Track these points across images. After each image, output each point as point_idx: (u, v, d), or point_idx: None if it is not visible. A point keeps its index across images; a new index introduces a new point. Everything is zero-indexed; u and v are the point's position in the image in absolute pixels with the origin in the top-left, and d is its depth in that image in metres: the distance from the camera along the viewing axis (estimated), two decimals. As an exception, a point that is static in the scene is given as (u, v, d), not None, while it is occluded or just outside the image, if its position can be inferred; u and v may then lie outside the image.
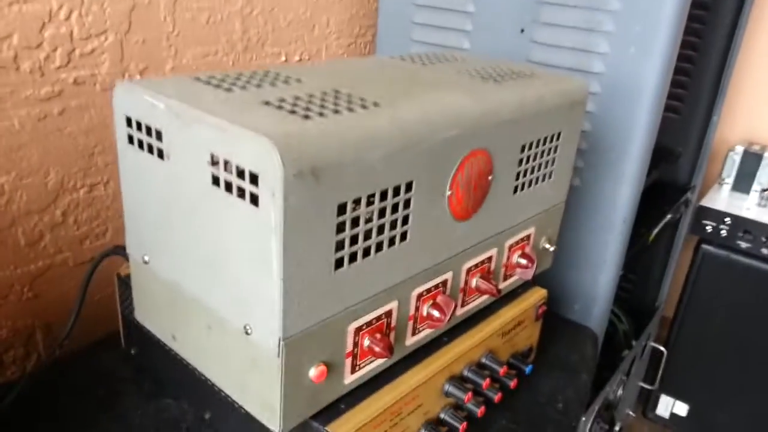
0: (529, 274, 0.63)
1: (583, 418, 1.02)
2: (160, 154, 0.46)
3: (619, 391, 1.21)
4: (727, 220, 1.33)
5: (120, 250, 0.59)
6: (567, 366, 0.71)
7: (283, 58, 0.98)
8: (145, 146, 0.47)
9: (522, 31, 0.90)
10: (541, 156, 0.61)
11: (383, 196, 0.44)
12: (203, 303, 0.47)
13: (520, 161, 0.58)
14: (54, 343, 0.79)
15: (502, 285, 0.63)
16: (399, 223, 0.47)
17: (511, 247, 0.62)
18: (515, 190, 0.59)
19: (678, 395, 1.52)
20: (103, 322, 0.84)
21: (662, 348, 1.42)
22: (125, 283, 0.61)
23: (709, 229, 1.35)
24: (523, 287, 0.68)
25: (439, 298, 0.53)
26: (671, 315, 1.48)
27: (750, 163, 1.42)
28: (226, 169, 0.41)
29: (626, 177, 0.84)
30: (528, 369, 0.64)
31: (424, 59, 0.67)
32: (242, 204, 0.40)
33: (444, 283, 0.54)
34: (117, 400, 0.62)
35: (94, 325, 0.84)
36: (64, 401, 0.61)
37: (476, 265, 0.58)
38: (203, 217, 0.44)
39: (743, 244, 1.32)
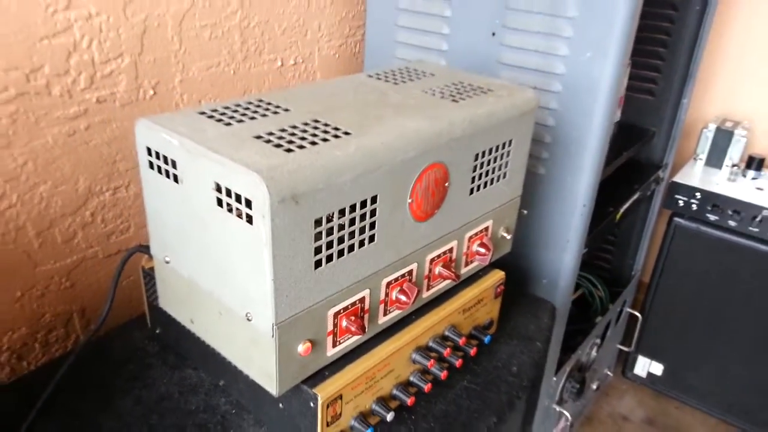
0: (486, 260, 0.75)
1: (554, 378, 1.15)
2: (176, 179, 0.58)
3: (593, 353, 1.34)
4: (697, 194, 1.43)
5: (143, 249, 0.72)
6: (524, 335, 0.83)
7: (279, 63, 1.09)
8: (163, 172, 0.59)
9: (493, 34, 0.99)
10: (495, 161, 0.72)
11: (352, 209, 0.56)
12: (215, 296, 0.60)
13: (474, 167, 0.69)
14: (89, 324, 0.93)
15: (464, 270, 0.75)
16: (367, 228, 0.59)
17: (470, 238, 0.73)
18: (471, 192, 0.70)
19: (654, 356, 1.64)
20: (127, 304, 0.97)
21: (638, 313, 1.55)
22: (149, 274, 0.74)
23: (680, 203, 1.45)
24: (485, 270, 0.79)
25: (405, 285, 0.65)
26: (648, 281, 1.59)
27: (722, 139, 1.51)
28: (227, 195, 0.52)
29: (585, 167, 0.95)
30: (487, 339, 0.76)
31: (398, 77, 0.77)
32: (240, 222, 0.52)
33: (410, 272, 0.66)
34: (147, 372, 0.75)
35: (119, 306, 0.97)
36: (104, 373, 0.74)
37: (438, 256, 0.69)
38: (211, 231, 0.56)
39: (711, 217, 1.42)
